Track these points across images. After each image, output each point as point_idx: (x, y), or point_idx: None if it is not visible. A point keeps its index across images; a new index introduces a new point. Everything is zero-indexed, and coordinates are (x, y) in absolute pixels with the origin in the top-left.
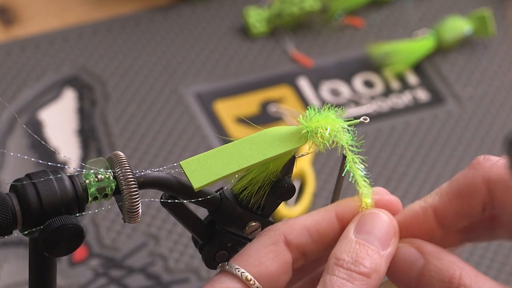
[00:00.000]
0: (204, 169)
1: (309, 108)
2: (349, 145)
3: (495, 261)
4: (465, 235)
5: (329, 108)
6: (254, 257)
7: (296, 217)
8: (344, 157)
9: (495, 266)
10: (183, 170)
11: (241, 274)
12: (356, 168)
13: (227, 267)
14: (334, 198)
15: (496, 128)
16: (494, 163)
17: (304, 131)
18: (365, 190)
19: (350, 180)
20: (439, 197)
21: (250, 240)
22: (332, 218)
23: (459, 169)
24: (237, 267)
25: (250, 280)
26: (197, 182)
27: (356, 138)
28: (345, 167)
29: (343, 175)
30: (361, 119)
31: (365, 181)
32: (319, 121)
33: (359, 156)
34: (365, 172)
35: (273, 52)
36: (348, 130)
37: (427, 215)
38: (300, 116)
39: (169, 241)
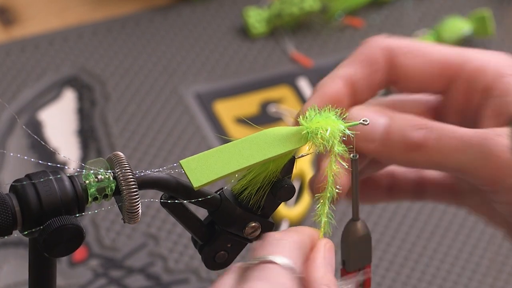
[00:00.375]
0: (204, 168)
1: (309, 109)
2: (339, 154)
3: (495, 262)
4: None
5: (329, 109)
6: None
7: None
8: (353, 160)
9: (494, 266)
10: (183, 168)
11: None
12: (332, 177)
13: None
14: (354, 208)
15: None
16: (390, 37)
17: (304, 132)
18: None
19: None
20: (345, 67)
21: (250, 240)
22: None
23: None
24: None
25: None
26: (196, 181)
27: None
28: (328, 164)
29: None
30: (361, 121)
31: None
32: (320, 122)
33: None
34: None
35: (272, 52)
36: (347, 132)
37: (346, 80)
38: (301, 116)
39: (169, 241)
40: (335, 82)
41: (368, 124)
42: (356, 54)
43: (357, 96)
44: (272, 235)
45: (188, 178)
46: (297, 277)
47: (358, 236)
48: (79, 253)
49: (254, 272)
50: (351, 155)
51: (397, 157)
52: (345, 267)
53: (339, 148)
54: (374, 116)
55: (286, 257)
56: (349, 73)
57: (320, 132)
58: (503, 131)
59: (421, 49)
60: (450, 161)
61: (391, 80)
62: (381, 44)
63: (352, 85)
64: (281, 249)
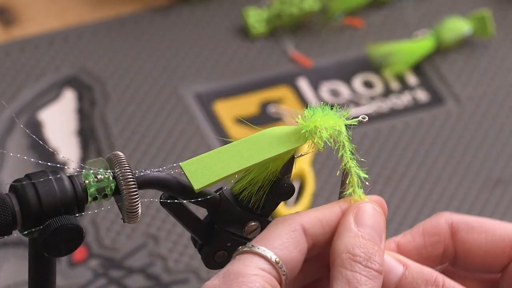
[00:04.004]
0: (204, 170)
1: (307, 108)
2: (346, 139)
3: None
4: None
5: (328, 107)
6: (278, 242)
7: (303, 210)
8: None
9: None
10: (183, 171)
11: (270, 256)
12: (351, 159)
13: (255, 248)
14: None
15: (496, 128)
16: (455, 213)
17: (303, 131)
18: (357, 179)
19: (343, 171)
20: (404, 235)
21: (250, 239)
22: (338, 212)
23: (458, 169)
24: (265, 249)
25: (279, 263)
26: (197, 183)
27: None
28: (342, 158)
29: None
30: (360, 118)
31: (357, 172)
32: (318, 121)
33: (354, 150)
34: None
35: (272, 52)
36: (346, 128)
37: (389, 247)
38: (299, 116)
39: (169, 241)
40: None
41: (366, 120)
42: (422, 224)
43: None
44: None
45: (188, 180)
46: (274, 270)
47: None
48: (79, 253)
49: (239, 256)
50: None
51: None
52: None
53: (348, 144)
54: (392, 263)
55: (274, 247)
56: (405, 240)
57: (319, 131)
58: None
59: (485, 225)
60: None
61: (451, 256)
62: (447, 218)
63: (400, 250)
64: (271, 240)
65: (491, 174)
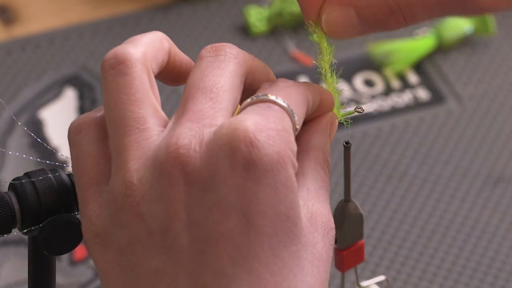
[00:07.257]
0: None
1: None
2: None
3: (496, 260)
4: None
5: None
6: None
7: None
8: (346, 147)
9: (495, 265)
10: None
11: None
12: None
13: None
14: (346, 191)
15: (497, 127)
16: None
17: None
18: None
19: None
20: None
21: None
22: None
23: (460, 168)
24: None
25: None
26: None
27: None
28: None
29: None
30: (355, 109)
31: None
32: None
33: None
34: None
35: (273, 51)
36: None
37: None
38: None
39: None
40: None
41: (362, 111)
42: None
43: None
44: (283, 80)
45: None
46: (295, 128)
47: (351, 216)
48: (80, 251)
49: (253, 106)
50: (344, 142)
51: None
52: (337, 246)
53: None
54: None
55: (289, 104)
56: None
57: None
58: None
59: None
60: None
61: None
62: None
63: None
64: (287, 95)
65: (492, 172)
